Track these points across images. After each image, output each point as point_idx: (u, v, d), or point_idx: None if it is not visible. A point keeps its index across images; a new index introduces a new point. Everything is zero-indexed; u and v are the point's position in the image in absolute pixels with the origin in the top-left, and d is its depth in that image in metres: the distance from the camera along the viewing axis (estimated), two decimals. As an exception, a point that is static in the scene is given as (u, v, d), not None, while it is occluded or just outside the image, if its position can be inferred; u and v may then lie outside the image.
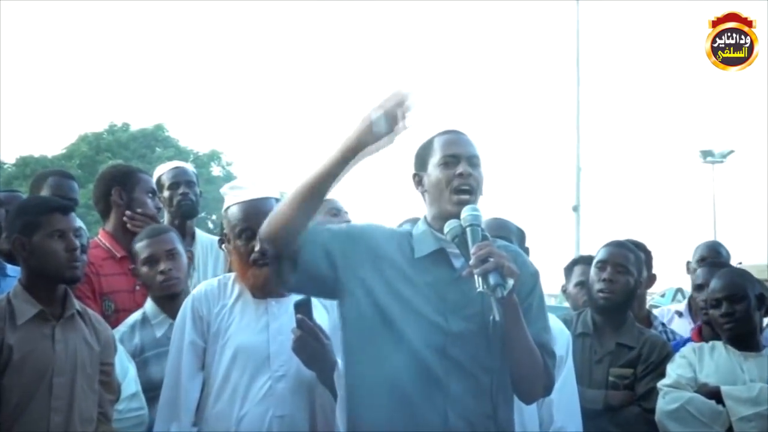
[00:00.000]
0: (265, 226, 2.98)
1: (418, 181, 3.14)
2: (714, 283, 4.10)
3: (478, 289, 2.81)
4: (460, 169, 3.03)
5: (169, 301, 3.87)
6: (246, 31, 58.55)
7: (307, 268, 2.98)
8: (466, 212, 2.95)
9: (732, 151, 29.12)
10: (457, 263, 3.01)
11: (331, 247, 3.01)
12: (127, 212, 4.30)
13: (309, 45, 57.29)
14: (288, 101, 54.99)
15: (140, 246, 4.00)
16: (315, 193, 2.94)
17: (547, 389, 3.09)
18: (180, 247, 3.99)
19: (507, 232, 3.81)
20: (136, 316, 3.92)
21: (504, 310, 2.83)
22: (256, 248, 3.44)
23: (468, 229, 2.92)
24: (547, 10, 42.39)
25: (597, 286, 4.29)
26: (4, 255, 4.09)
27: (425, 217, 3.13)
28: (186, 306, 3.54)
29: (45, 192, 4.50)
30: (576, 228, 21.33)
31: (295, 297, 3.32)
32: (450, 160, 3.06)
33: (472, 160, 3.07)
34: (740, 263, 10.72)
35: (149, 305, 3.94)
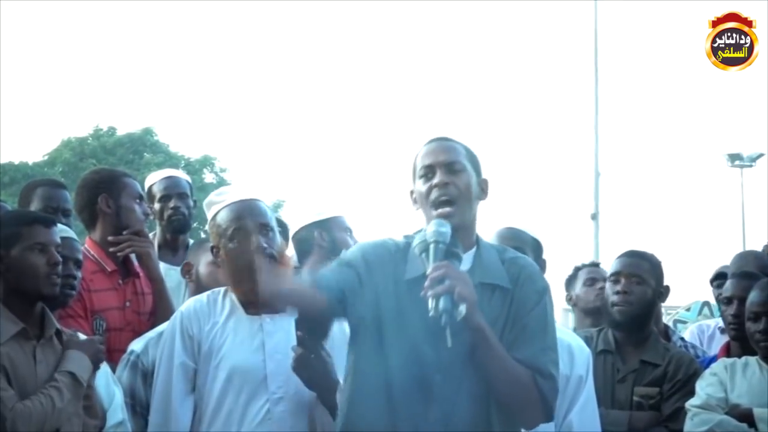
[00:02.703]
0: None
1: (414, 197, 3.15)
2: (754, 295, 4.04)
3: (431, 313, 2.83)
4: (435, 179, 3.05)
5: None
6: (241, 29, 58.71)
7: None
8: (432, 227, 2.97)
9: (762, 155, 29.03)
10: None
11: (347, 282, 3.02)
12: (110, 238, 4.26)
13: (308, 44, 57.33)
14: (287, 103, 54.99)
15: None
16: None
17: (546, 415, 3.02)
18: None
19: (521, 243, 3.80)
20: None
21: (471, 334, 2.87)
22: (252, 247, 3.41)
23: (431, 246, 2.94)
24: (565, 10, 42.38)
25: (612, 299, 4.29)
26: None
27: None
28: (174, 324, 3.53)
29: (35, 204, 4.45)
30: (595, 237, 21.24)
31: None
32: (426, 172, 3.09)
33: (452, 167, 3.07)
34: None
35: None
